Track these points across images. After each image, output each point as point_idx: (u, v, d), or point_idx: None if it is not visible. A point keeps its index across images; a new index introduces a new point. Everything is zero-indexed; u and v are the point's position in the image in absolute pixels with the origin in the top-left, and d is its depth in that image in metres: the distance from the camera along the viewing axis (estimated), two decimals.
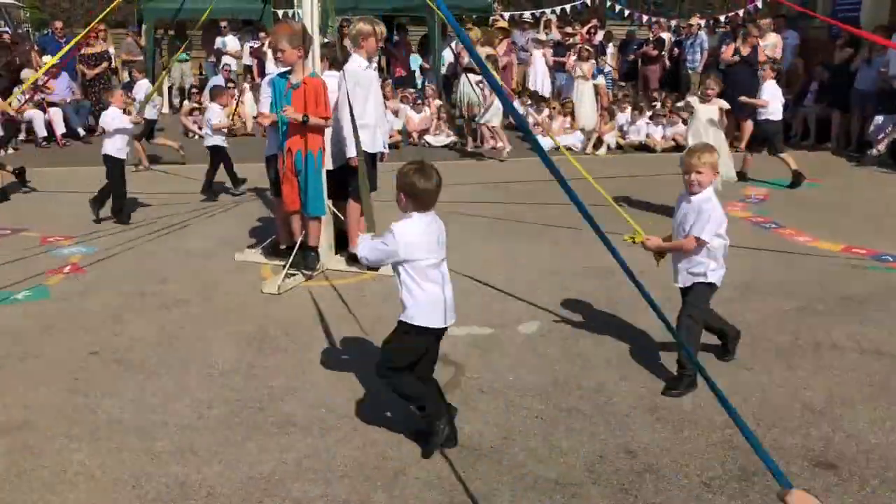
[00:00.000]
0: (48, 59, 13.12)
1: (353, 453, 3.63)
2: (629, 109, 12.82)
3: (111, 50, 14.50)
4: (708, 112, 8.13)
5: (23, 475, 3.45)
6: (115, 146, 7.78)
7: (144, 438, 3.75)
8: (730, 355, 4.63)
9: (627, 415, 3.98)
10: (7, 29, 16.47)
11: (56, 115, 12.75)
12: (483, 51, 12.20)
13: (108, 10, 8.12)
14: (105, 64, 13.80)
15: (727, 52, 12.10)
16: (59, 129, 12.78)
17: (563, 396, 4.17)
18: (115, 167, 7.79)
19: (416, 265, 3.51)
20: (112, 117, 7.85)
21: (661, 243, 4.48)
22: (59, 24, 15.20)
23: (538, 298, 5.66)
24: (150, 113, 10.19)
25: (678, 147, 12.26)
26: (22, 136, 12.68)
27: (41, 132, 12.65)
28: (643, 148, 12.36)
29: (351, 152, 5.93)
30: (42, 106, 12.68)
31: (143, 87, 10.47)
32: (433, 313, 3.55)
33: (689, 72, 14.60)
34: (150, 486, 3.37)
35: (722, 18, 17.49)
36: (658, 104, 13.20)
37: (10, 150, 12.10)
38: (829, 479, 3.42)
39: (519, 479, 3.42)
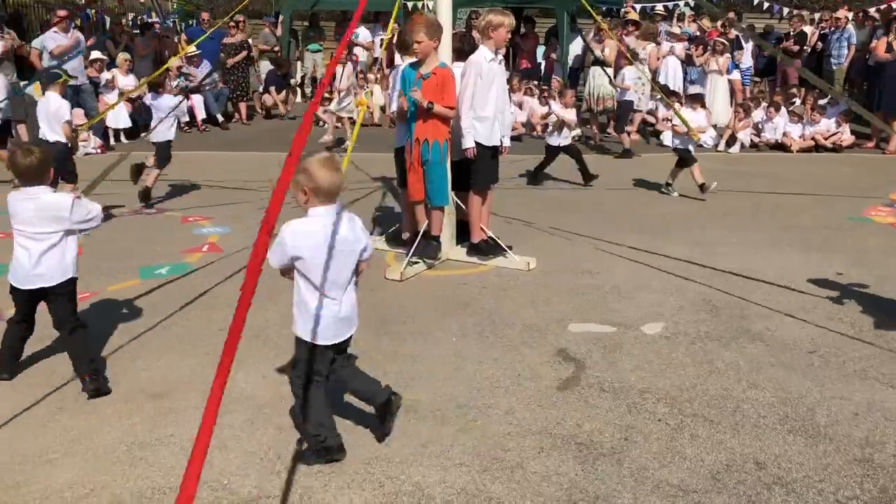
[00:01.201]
0: (193, 50, 13.85)
1: (471, 443, 3.65)
2: (764, 106, 12.27)
3: (250, 40, 15.14)
4: None
5: (162, 441, 3.66)
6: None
7: (273, 413, 3.91)
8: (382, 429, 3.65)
9: (756, 424, 3.82)
10: (158, 20, 17.47)
11: (197, 101, 13.47)
12: (642, 44, 11.93)
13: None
14: (244, 53, 14.42)
15: (879, 46, 11.36)
16: (200, 114, 13.51)
17: (687, 401, 4.04)
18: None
19: None
20: None
21: None
22: (205, 16, 15.99)
23: (662, 299, 5.52)
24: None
25: (817, 147, 11.66)
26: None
27: (183, 118, 13.39)
28: (779, 147, 11.80)
29: (467, 143, 5.97)
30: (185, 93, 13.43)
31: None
32: None
33: (834, 68, 13.79)
34: (278, 460, 3.50)
35: (872, 11, 16.39)
36: (797, 101, 12.56)
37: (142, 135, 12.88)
38: None
39: (640, 482, 3.34)
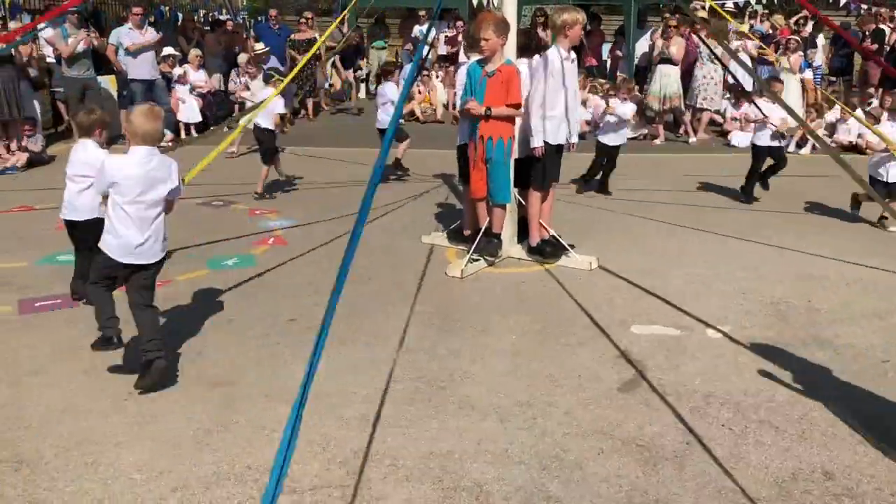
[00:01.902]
0: (260, 46, 14.08)
1: (530, 441, 3.64)
2: (838, 107, 11.88)
3: (318, 37, 15.33)
4: None
5: (228, 427, 3.75)
6: None
7: (334, 405, 3.96)
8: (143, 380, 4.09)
9: (825, 433, 3.71)
10: (230, 16, 17.85)
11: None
12: (713, 43, 11.70)
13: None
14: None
15: None
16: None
17: (753, 407, 3.96)
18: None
19: None
20: None
21: None
22: (273, 13, 16.26)
23: (729, 302, 5.40)
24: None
25: None
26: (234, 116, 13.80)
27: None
28: (853, 149, 11.41)
29: (535, 143, 5.94)
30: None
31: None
32: None
33: None
34: (339, 451, 3.55)
35: None
36: (875, 102, 12.13)
37: (225, 128, 13.16)
38: None
39: (702, 487, 3.28)
